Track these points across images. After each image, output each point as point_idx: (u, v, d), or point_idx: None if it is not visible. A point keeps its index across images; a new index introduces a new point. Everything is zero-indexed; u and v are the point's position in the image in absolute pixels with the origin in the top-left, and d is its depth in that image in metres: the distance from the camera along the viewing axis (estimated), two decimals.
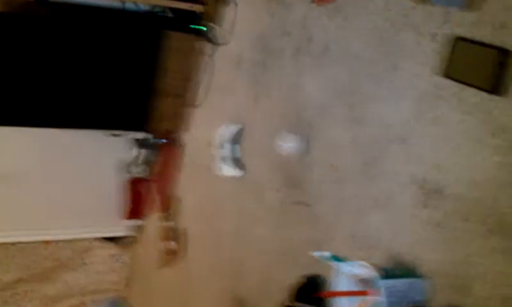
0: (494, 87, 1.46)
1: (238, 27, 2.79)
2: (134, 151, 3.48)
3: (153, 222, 3.66)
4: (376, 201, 1.89)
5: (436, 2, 1.64)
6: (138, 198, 3.68)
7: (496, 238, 1.46)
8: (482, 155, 1.51)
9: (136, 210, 3.70)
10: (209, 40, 2.98)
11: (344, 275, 1.74)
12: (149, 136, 3.45)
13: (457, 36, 1.59)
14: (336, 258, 1.79)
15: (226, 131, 2.69)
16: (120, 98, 3.03)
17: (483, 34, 1.52)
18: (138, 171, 3.53)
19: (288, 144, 2.26)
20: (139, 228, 3.88)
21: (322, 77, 2.22)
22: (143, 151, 3.49)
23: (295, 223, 2.32)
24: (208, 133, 2.90)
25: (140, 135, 3.42)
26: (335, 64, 2.12)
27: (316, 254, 1.84)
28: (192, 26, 2.96)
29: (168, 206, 3.42)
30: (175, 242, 3.31)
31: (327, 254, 1.80)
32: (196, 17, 2.95)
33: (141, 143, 3.46)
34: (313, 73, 2.26)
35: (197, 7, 2.91)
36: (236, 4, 2.77)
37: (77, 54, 2.87)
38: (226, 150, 2.64)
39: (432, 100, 1.68)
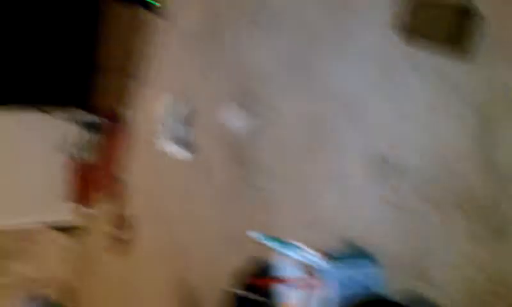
0: (455, 45, 1.29)
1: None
2: (78, 133, 3.19)
3: (101, 208, 3.41)
4: (328, 180, 1.71)
5: None
6: (85, 183, 3.41)
7: (457, 217, 1.30)
8: (444, 126, 1.35)
9: (83, 195, 3.45)
10: (156, 12, 2.72)
11: (288, 261, 1.54)
12: (92, 116, 3.16)
13: None
14: (277, 240, 1.57)
15: (174, 108, 2.46)
16: (57, 70, 2.75)
17: None
18: (83, 154, 3.26)
19: (236, 120, 2.09)
20: (88, 215, 3.61)
21: (270, 47, 2.02)
22: (87, 133, 3.21)
23: (243, 205, 2.14)
24: (155, 110, 2.64)
25: (82, 114, 3.14)
26: (284, 32, 1.93)
27: (253, 235, 1.61)
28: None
29: (115, 191, 3.17)
30: (123, 229, 3.07)
31: (264, 235, 1.58)
32: None
33: (84, 124, 3.18)
34: (262, 42, 2.05)
35: None
36: None
37: (5, 19, 2.57)
38: (174, 128, 2.42)
39: (388, 66, 1.50)
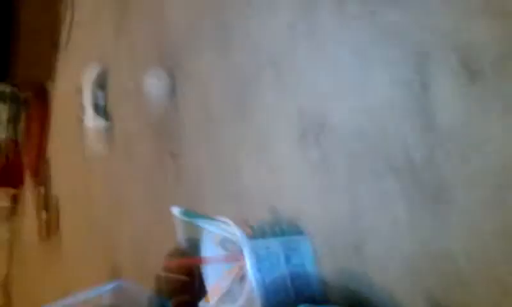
0: None
1: None
2: None
3: (28, 190, 3.19)
4: (254, 146, 1.51)
5: None
6: (7, 164, 3.14)
7: (392, 179, 1.10)
8: (373, 75, 1.13)
9: (6, 177, 3.19)
10: None
11: (209, 237, 1.34)
12: (14, 88, 2.91)
13: None
14: (199, 216, 1.35)
15: (89, 75, 2.19)
16: None
17: None
18: (6, 132, 2.99)
19: (154, 84, 1.86)
20: (16, 198, 3.39)
21: (187, 4, 1.80)
22: (9, 108, 2.95)
23: (166, 178, 1.92)
24: (76, 79, 2.36)
25: (2, 86, 2.87)
26: None
27: (175, 211, 1.36)
28: None
29: (39, 171, 2.91)
30: (49, 211, 2.82)
31: (185, 211, 1.34)
32: None
33: (5, 97, 2.91)
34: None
35: None
36: None
37: None
38: (89, 97, 2.16)
39: (309, 6, 1.30)
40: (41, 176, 2.88)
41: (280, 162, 1.40)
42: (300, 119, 1.32)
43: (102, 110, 2.16)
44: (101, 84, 2.16)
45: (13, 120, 3.00)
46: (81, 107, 2.20)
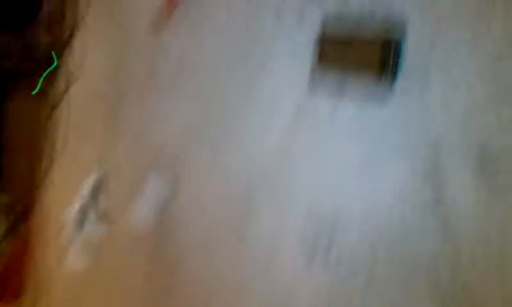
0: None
1: (90, 58, 2.30)
2: None
3: None
4: (256, 275, 1.40)
5: None
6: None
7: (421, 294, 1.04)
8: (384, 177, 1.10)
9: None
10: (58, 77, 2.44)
11: None
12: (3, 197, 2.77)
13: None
14: None
15: (84, 187, 2.13)
16: None
17: None
18: None
19: (147, 201, 1.79)
20: None
21: (179, 104, 1.78)
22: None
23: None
24: (67, 197, 2.30)
25: None
26: (191, 87, 1.71)
27: None
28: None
29: (27, 291, 2.70)
30: None
31: None
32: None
33: None
34: (170, 99, 1.81)
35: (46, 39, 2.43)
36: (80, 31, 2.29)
37: None
38: (78, 210, 2.10)
39: (309, 115, 1.27)
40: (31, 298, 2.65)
41: (284, 285, 1.32)
42: (308, 225, 1.26)
43: (92, 220, 2.10)
44: (94, 195, 2.11)
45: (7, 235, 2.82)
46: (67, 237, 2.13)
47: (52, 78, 2.45)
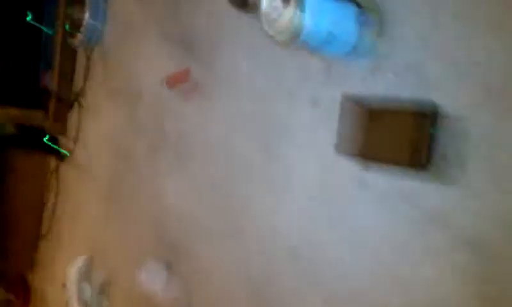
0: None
1: (86, 134, 2.15)
2: None
3: None
4: None
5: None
6: None
7: None
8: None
9: None
10: (57, 156, 2.29)
11: None
12: None
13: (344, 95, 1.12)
14: None
15: (75, 268, 1.92)
16: None
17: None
18: None
19: (150, 278, 1.57)
20: None
21: (184, 180, 1.60)
22: None
23: None
24: (61, 272, 2.08)
25: None
26: (198, 161, 1.53)
27: None
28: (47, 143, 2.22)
29: None
30: None
31: None
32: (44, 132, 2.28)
33: None
34: (174, 175, 1.63)
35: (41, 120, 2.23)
36: (81, 107, 2.13)
37: None
38: (75, 292, 1.86)
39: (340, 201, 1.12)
40: None
41: None
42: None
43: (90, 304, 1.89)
44: (87, 276, 1.89)
45: None
46: (67, 302, 1.92)
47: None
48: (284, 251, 1.21)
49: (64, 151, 2.24)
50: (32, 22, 2.18)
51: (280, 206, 1.25)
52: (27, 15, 2.17)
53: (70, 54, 2.22)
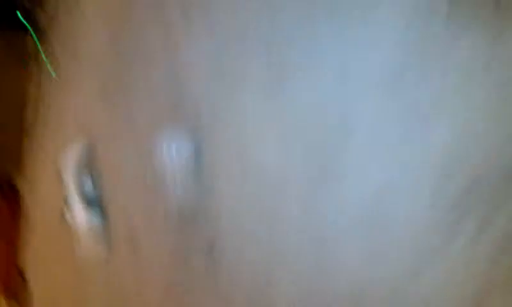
0: None
1: None
2: None
3: None
4: None
5: None
6: None
7: None
8: None
9: None
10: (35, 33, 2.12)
11: None
12: None
13: None
14: None
15: (71, 155, 1.84)
16: None
17: None
18: None
19: (168, 155, 1.33)
20: None
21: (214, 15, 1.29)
22: None
23: (195, 284, 1.42)
24: (54, 163, 2.02)
25: None
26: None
27: None
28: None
29: (12, 290, 2.51)
30: None
31: None
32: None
33: None
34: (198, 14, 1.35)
35: None
36: None
37: None
38: (73, 185, 1.75)
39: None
40: (17, 297, 2.35)
41: None
42: None
43: (93, 201, 1.64)
44: (89, 165, 1.65)
45: None
46: (65, 200, 1.68)
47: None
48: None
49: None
50: None
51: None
52: None
53: None
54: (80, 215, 1.33)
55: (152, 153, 1.16)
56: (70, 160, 1.37)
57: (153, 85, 1.25)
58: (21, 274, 1.94)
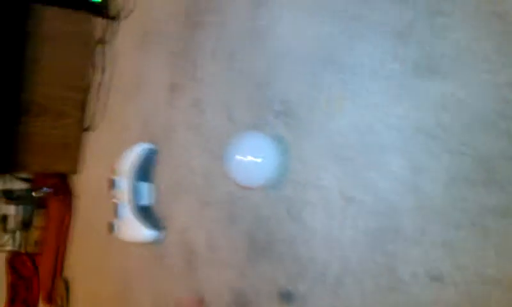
0: None
1: None
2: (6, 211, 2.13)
3: None
4: None
5: None
6: (18, 282, 2.34)
7: None
8: None
9: (16, 299, 2.35)
10: (103, 15, 1.76)
11: None
12: (23, 184, 2.17)
13: None
14: None
15: (127, 160, 1.39)
16: None
17: None
18: (11, 242, 2.17)
19: (250, 162, 0.94)
20: None
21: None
22: (15, 209, 2.15)
23: None
24: (106, 169, 1.58)
25: (7, 181, 2.14)
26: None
27: None
28: None
29: (53, 295, 2.06)
30: None
31: None
32: None
33: (8, 196, 2.12)
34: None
35: None
36: None
37: None
38: (124, 194, 1.36)
39: None
40: (55, 304, 2.03)
41: None
42: None
43: (146, 212, 1.38)
44: (146, 171, 1.39)
45: (24, 227, 2.20)
46: (115, 208, 1.41)
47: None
48: None
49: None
50: None
51: None
52: None
53: None
54: (131, 226, 1.19)
55: (222, 154, 0.98)
56: (125, 164, 1.23)
57: (231, 78, 1.08)
58: (65, 282, 1.81)
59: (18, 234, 2.24)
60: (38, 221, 2.26)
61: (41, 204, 2.25)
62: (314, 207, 0.87)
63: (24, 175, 2.32)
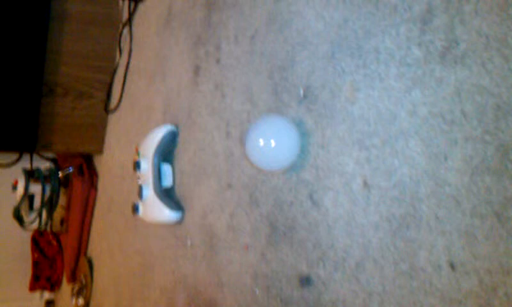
0: None
1: None
2: (23, 189, 2.14)
3: (64, 296, 2.40)
4: None
5: None
6: (42, 260, 2.44)
7: None
8: None
9: (41, 277, 2.48)
10: None
11: None
12: (49, 163, 2.27)
13: None
14: None
15: (150, 141, 1.39)
16: None
17: None
18: (35, 221, 2.20)
19: (272, 145, 0.92)
20: (51, 305, 2.67)
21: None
22: (41, 189, 2.17)
23: None
24: (129, 150, 1.70)
25: (34, 161, 2.20)
26: None
27: None
28: None
29: (76, 274, 2.13)
30: None
31: None
32: None
33: (31, 175, 2.14)
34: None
35: None
36: None
37: None
38: (147, 176, 1.37)
39: None
40: (81, 281, 2.04)
41: None
42: None
43: (168, 194, 1.40)
44: (167, 153, 1.41)
45: (50, 206, 2.22)
46: (139, 190, 1.40)
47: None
48: None
49: None
50: None
51: None
52: None
53: None
54: (155, 207, 1.20)
55: (243, 138, 0.98)
56: (151, 146, 1.24)
57: (255, 61, 1.08)
58: (88, 261, 1.85)
59: (44, 213, 2.30)
60: (63, 200, 2.31)
61: (66, 183, 2.30)
62: (336, 193, 0.88)
63: (50, 155, 2.38)
